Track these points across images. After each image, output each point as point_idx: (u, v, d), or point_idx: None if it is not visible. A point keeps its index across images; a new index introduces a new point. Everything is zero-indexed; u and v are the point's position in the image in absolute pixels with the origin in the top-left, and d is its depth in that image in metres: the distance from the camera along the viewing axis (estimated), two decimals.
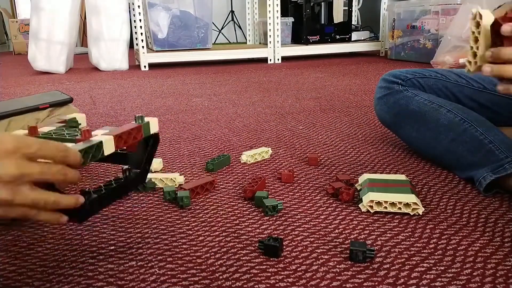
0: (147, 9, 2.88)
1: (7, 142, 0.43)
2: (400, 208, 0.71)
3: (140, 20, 2.82)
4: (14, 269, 0.58)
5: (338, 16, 3.71)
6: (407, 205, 0.71)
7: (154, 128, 0.64)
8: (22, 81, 2.49)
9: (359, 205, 0.74)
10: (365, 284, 0.53)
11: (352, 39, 3.42)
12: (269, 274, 0.55)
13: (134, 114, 1.55)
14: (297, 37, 3.31)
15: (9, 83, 2.43)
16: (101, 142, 0.54)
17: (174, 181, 0.85)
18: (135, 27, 2.89)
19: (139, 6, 2.80)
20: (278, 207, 0.72)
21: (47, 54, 2.73)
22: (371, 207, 0.72)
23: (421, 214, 0.70)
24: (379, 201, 0.71)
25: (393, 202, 0.71)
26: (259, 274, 0.55)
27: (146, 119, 0.63)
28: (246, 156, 0.99)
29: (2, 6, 5.17)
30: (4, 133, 0.44)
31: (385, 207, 0.71)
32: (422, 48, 2.87)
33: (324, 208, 0.75)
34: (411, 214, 0.70)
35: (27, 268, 0.58)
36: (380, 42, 3.44)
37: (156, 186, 0.84)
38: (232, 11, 4.81)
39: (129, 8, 2.97)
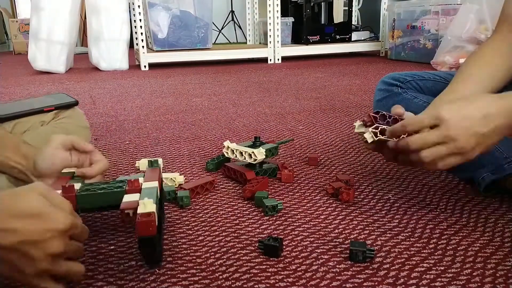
0: (147, 9, 2.88)
1: (62, 222, 0.47)
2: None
3: (140, 20, 2.82)
4: None
5: (338, 16, 3.71)
6: None
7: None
8: (22, 81, 2.49)
9: (364, 134, 0.67)
10: (365, 284, 0.53)
11: (352, 39, 3.42)
12: (269, 274, 0.55)
13: (134, 113, 1.55)
14: (297, 37, 3.31)
15: (9, 83, 2.43)
16: (156, 188, 0.60)
17: (174, 180, 0.85)
18: (135, 27, 2.89)
19: (139, 6, 2.80)
20: (278, 207, 0.72)
21: (47, 54, 2.73)
22: (375, 134, 0.66)
23: None
24: (383, 128, 0.66)
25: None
26: (259, 274, 0.55)
27: (155, 159, 0.70)
28: (228, 149, 0.91)
29: (2, 6, 5.17)
30: (57, 209, 0.48)
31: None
32: (422, 48, 2.87)
33: (324, 208, 0.75)
34: None
35: None
36: (380, 42, 3.44)
37: None
38: (232, 11, 4.80)
39: (129, 8, 2.97)
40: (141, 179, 0.63)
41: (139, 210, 0.52)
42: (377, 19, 3.54)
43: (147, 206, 0.52)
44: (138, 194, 0.58)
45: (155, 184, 0.61)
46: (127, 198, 0.56)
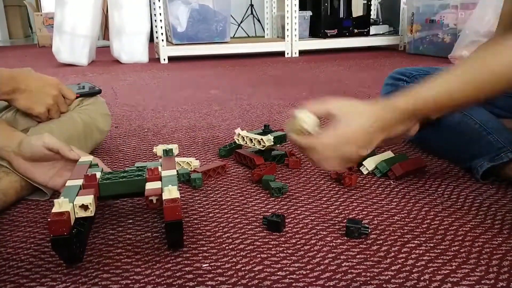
0: (167, 3, 2.95)
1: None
2: None
3: (160, 14, 2.89)
4: (43, 237, 0.65)
5: (356, 10, 3.71)
6: None
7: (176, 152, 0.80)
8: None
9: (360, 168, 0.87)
10: (357, 256, 0.58)
11: (371, 33, 3.42)
12: (270, 246, 0.61)
13: (153, 104, 1.62)
14: (315, 31, 3.33)
15: None
16: (176, 176, 0.66)
17: (190, 164, 0.91)
18: (155, 20, 2.97)
19: (159, 0, 2.87)
20: (284, 189, 0.77)
21: (71, 46, 2.82)
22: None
23: None
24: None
25: None
26: (262, 246, 0.61)
27: (169, 147, 0.79)
28: (239, 135, 0.96)
29: (27, 0, 5.33)
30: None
31: None
32: (440, 42, 2.86)
33: (326, 191, 0.79)
34: None
35: None
36: (399, 36, 3.43)
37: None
38: (251, 5, 4.84)
39: (150, 2, 3.04)
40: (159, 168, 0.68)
41: (165, 197, 0.56)
42: (396, 13, 3.53)
43: (172, 192, 0.57)
44: (159, 182, 0.63)
45: (174, 172, 0.66)
46: (150, 185, 0.61)
